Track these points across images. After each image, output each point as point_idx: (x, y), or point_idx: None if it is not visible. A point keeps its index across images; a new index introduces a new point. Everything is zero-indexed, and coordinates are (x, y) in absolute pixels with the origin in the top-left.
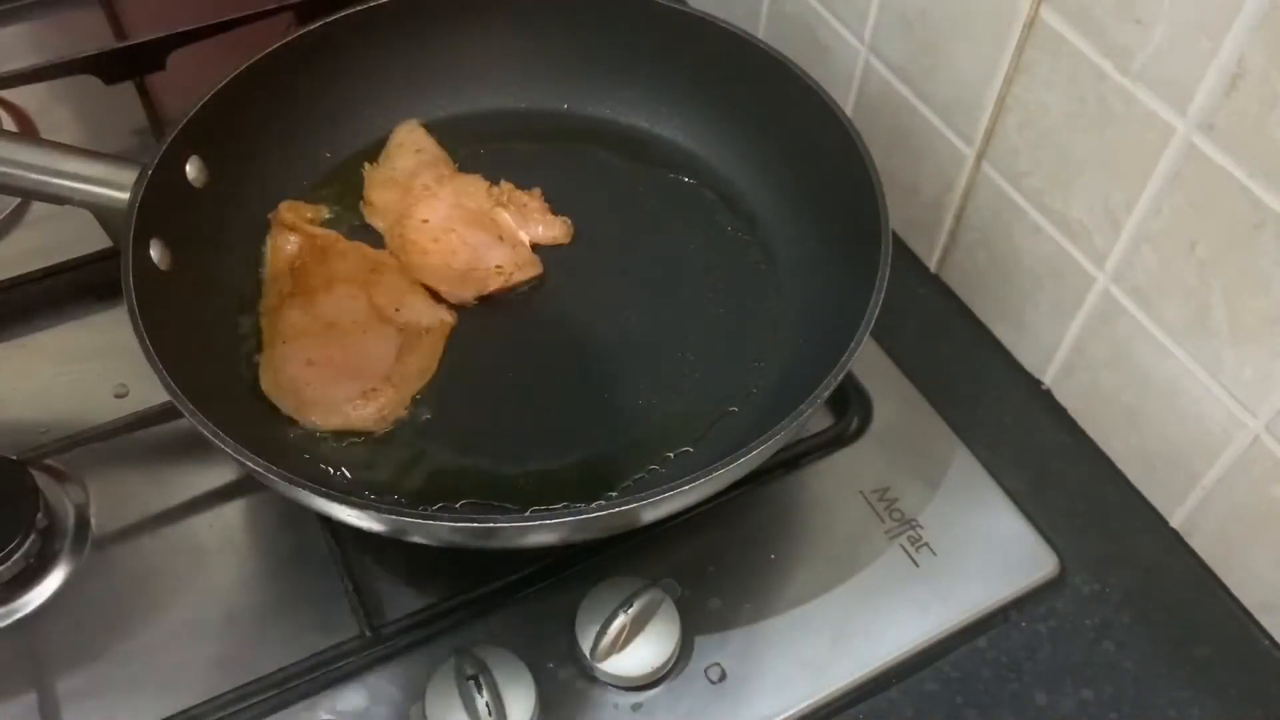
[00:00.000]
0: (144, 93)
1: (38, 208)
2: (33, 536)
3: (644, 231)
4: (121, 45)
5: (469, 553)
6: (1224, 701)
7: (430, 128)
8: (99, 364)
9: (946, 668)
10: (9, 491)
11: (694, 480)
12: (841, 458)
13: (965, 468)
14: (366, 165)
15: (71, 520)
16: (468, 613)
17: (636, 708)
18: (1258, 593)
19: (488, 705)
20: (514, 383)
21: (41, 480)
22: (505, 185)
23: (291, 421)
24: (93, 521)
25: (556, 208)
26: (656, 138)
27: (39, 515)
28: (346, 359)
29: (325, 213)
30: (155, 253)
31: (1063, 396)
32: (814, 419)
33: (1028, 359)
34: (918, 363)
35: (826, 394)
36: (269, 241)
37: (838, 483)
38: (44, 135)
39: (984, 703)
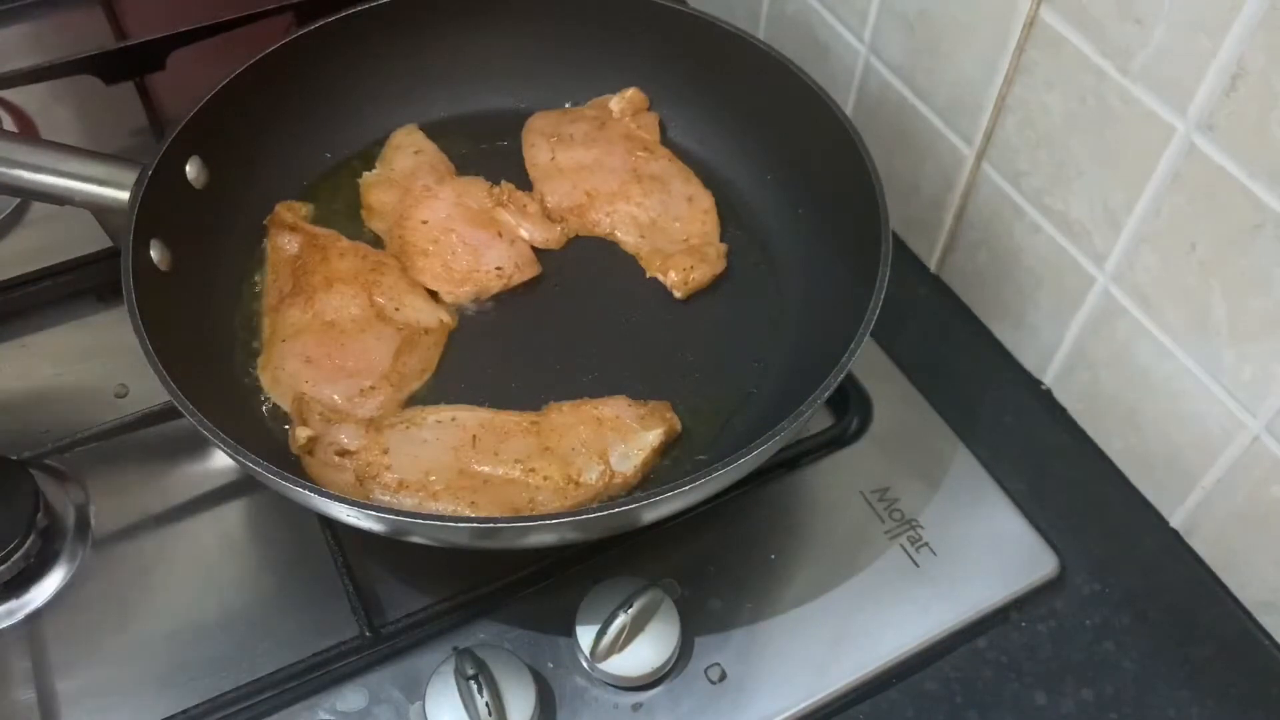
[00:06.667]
0: (144, 93)
1: (38, 208)
2: (33, 536)
3: None
4: (121, 45)
5: (469, 553)
6: (1224, 701)
7: (429, 128)
8: (99, 364)
9: (946, 668)
10: (9, 491)
11: (694, 480)
12: (841, 458)
13: (965, 468)
14: (364, 175)
15: (71, 520)
16: (468, 613)
17: (636, 708)
18: (1258, 593)
19: (488, 705)
20: (512, 383)
21: (41, 480)
22: (505, 185)
23: (292, 420)
24: (93, 521)
25: None
26: None
27: (39, 515)
28: (345, 358)
29: (322, 211)
30: (155, 253)
31: (1063, 396)
32: (814, 419)
33: (1028, 359)
34: (918, 363)
35: (826, 394)
36: (269, 241)
37: (838, 483)
38: (44, 135)
39: (984, 703)
